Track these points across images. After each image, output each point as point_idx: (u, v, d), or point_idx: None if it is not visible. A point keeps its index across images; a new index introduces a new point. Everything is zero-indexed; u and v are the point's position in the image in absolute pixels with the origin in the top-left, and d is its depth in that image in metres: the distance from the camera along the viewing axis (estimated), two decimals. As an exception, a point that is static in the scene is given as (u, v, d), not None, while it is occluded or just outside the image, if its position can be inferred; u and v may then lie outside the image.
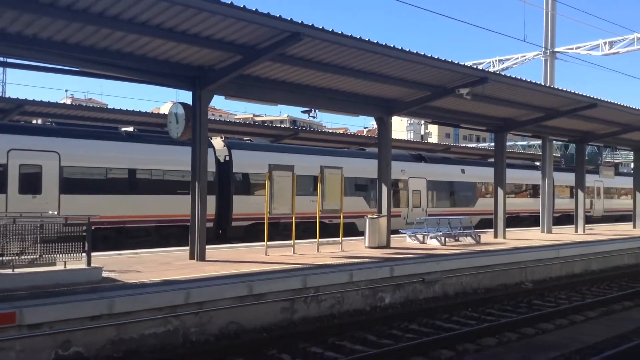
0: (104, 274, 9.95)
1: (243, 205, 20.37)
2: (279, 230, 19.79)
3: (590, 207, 35.19)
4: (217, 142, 21.02)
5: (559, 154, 29.45)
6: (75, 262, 9.52)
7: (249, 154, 21.19)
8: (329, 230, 19.71)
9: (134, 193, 18.11)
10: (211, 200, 17.84)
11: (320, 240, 15.09)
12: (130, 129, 19.51)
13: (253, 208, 20.16)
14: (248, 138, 24.04)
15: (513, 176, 31.70)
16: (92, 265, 9.73)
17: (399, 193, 25.66)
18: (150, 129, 20.86)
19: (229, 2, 9.67)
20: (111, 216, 16.87)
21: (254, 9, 9.98)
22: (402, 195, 25.77)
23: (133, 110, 21.75)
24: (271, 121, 76.35)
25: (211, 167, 18.29)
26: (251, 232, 20.34)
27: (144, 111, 22.93)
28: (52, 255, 9.27)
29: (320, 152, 24.01)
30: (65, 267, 9.39)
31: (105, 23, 9.93)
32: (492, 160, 33.51)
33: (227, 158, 20.63)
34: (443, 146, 36.68)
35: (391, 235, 16.45)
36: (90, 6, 9.48)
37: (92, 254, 10.08)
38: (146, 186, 18.43)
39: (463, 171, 29.26)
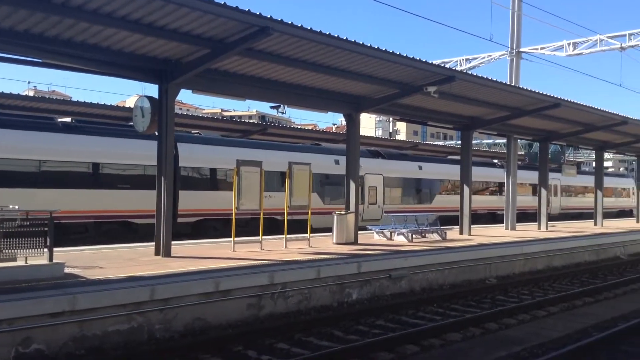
0: (67, 270, 9.76)
1: (190, 201, 19.87)
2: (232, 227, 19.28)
3: (547, 205, 35.40)
4: None
5: (523, 153, 29.96)
6: (37, 258, 9.31)
7: (197, 147, 20.67)
8: (280, 227, 19.32)
9: (69, 187, 17.31)
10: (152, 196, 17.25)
11: (287, 236, 15.06)
12: (68, 119, 18.68)
13: (201, 204, 19.90)
14: (197, 131, 23.34)
15: (481, 174, 31.78)
16: (54, 261, 9.53)
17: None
18: (96, 120, 20.27)
19: (197, -5, 9.56)
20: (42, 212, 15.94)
21: (222, 2, 9.87)
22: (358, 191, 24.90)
23: (97, 103, 21.35)
24: (240, 116, 75.90)
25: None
26: (199, 229, 19.95)
27: (109, 104, 22.53)
28: (13, 251, 9.04)
29: (272, 146, 23.37)
30: (26, 262, 9.18)
31: (70, 13, 9.70)
32: (452, 157, 33.53)
33: (173, 152, 19.98)
34: (411, 143, 37.03)
35: (359, 232, 16.52)
36: (53, -4, 9.26)
37: (55, 249, 9.88)
38: (82, 180, 17.77)
39: (421, 168, 28.81)
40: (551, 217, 32.69)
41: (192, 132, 23.11)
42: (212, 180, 21.07)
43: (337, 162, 24.03)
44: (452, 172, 28.86)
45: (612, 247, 21.17)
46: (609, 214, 37.85)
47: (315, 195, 22.96)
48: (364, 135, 28.90)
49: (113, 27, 10.32)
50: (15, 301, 7.56)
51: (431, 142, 56.42)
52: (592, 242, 20.29)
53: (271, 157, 20.83)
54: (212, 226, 20.50)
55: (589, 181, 37.90)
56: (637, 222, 31.99)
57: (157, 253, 12.40)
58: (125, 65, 12.11)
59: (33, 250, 9.19)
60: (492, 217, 31.85)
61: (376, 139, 36.93)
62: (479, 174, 31.93)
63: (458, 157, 33.05)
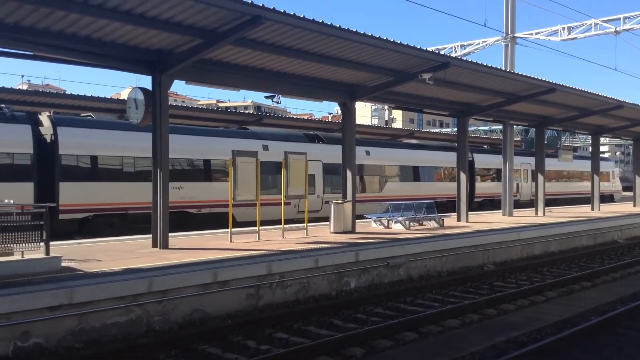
0: (64, 264, 9.74)
1: (75, 194, 17.13)
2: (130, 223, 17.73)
3: (517, 191, 32.49)
4: (43, 118, 17.74)
5: (519, 139, 29.95)
6: (33, 252, 9.29)
7: (84, 132, 17.78)
8: (196, 222, 18.94)
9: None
10: (28, 189, 15.99)
11: (285, 226, 15.05)
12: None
13: (91, 197, 17.32)
14: (89, 114, 19.93)
15: (440, 159, 29.28)
16: (51, 254, 9.52)
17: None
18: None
19: (188, -16, 9.47)
20: None
21: (214, -9, 9.79)
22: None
23: (92, 96, 21.21)
24: (235, 107, 75.69)
25: (27, 147, 16.34)
26: (91, 227, 17.38)
27: (104, 97, 22.39)
28: (9, 245, 9.03)
29: (185, 131, 20.52)
30: (22, 257, 9.17)
31: (60, 5, 9.59)
32: (410, 141, 31.48)
33: (53, 137, 17.16)
34: (407, 131, 36.96)
35: (356, 221, 16.51)
36: (43, -13, 9.15)
37: (52, 243, 9.87)
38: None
39: (368, 153, 25.45)
40: (522, 204, 31.25)
41: (83, 115, 20.05)
42: (105, 170, 18.14)
43: (265, 147, 21.57)
44: (406, 157, 27.33)
45: (609, 232, 21.22)
46: (584, 200, 34.34)
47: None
48: (359, 124, 28.60)
49: (104, 18, 10.22)
50: (13, 295, 7.54)
51: (427, 130, 56.42)
52: (589, 227, 20.34)
53: (184, 143, 19.06)
54: (106, 223, 17.78)
55: (565, 165, 36.41)
56: (634, 206, 32.05)
57: (154, 245, 12.38)
58: (118, 57, 12.02)
59: (29, 244, 9.16)
60: (453, 207, 26.52)
61: (371, 127, 36.85)
62: (442, 159, 29.63)
63: (416, 141, 31.89)
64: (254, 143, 21.21)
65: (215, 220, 18.67)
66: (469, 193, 25.67)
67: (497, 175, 31.63)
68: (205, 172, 20.47)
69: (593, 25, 25.09)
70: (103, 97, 22.10)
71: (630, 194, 35.99)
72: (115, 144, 18.28)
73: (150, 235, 12.64)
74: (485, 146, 36.01)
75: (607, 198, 40.78)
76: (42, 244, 9.35)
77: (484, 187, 31.69)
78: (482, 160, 31.98)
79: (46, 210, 9.40)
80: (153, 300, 8.75)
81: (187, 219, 19.03)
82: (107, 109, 21.96)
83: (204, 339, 8.29)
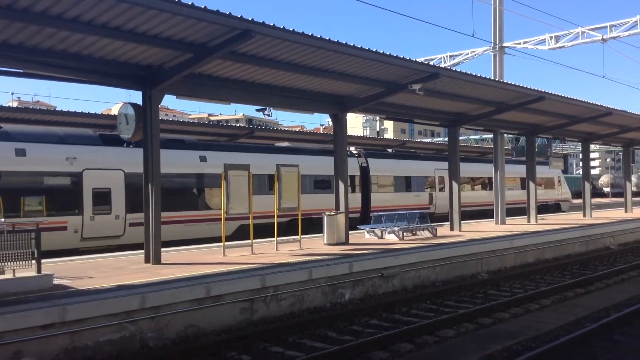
0: (56, 281, 9.67)
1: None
2: None
3: (430, 203, 27.92)
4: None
5: (510, 147, 30.07)
6: (25, 270, 9.21)
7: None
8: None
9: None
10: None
11: (279, 238, 15.01)
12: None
13: None
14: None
15: (399, 167, 26.92)
16: (43, 272, 9.45)
17: (62, 194, 16.67)
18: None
19: (177, 0, 9.49)
20: None
21: (203, 6, 9.81)
22: (71, 198, 16.85)
23: (82, 112, 21.16)
24: (227, 120, 75.71)
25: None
26: None
27: (94, 113, 22.33)
28: (0, 264, 8.95)
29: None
30: (14, 275, 9.09)
31: (49, 22, 9.59)
32: (281, 144, 25.13)
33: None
34: (399, 141, 37.07)
35: (349, 232, 16.49)
36: (31, 5, 9.14)
37: (43, 260, 9.80)
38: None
39: (205, 159, 20.03)
40: (435, 218, 25.62)
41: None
42: None
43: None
44: (264, 163, 20.22)
45: (601, 238, 21.30)
46: (519, 211, 29.28)
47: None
48: (350, 135, 28.66)
49: (94, 35, 10.23)
50: (4, 314, 7.46)
51: (419, 140, 56.66)
52: (582, 234, 20.41)
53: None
54: None
55: (490, 170, 28.13)
56: (626, 212, 32.20)
57: (147, 261, 12.31)
58: (108, 73, 12.01)
59: (21, 262, 9.09)
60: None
61: (362, 138, 36.93)
62: (402, 167, 27.01)
63: (285, 144, 25.02)
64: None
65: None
66: (364, 205, 23.72)
67: (399, 184, 26.91)
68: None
69: (580, 33, 25.32)
70: (94, 113, 22.05)
71: (578, 201, 32.09)
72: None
73: (143, 251, 12.57)
74: (390, 150, 31.28)
75: (551, 208, 36.43)
76: (33, 261, 9.29)
77: (385, 200, 25.80)
78: (381, 167, 26.24)
79: (37, 228, 9.34)
80: (146, 317, 8.69)
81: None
82: (97, 124, 21.91)
83: (198, 355, 8.23)
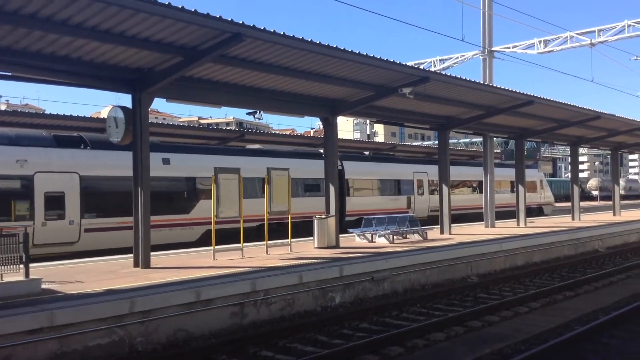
0: (44, 286, 9.60)
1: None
2: None
3: (408, 207, 27.26)
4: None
5: (499, 150, 30.23)
6: (13, 274, 9.13)
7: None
8: None
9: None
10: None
11: (269, 242, 14.99)
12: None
13: None
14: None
15: (376, 170, 26.39)
16: (31, 276, 9.37)
17: (11, 198, 15.80)
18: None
19: (167, 3, 9.45)
20: None
21: (193, 10, 9.80)
22: (21, 203, 15.92)
23: (71, 115, 21.07)
24: (217, 124, 75.55)
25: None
26: None
27: (83, 116, 22.23)
28: (-13, 269, 8.87)
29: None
30: (1, 279, 9.01)
31: (37, 25, 9.54)
32: (251, 146, 24.82)
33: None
34: (389, 145, 37.15)
35: (340, 235, 16.49)
36: (21, 8, 9.09)
37: (32, 265, 9.73)
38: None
39: (168, 161, 18.91)
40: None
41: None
42: None
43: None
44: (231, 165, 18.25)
45: (590, 241, 21.43)
46: (504, 214, 28.77)
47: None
48: (341, 139, 28.69)
49: (83, 38, 10.18)
50: (-9, 320, 7.40)
51: (409, 143, 56.81)
52: (571, 237, 20.52)
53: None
54: None
55: (470, 173, 30.95)
56: (614, 215, 32.43)
57: (136, 265, 12.25)
58: (97, 76, 11.95)
59: (8, 267, 9.02)
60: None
61: (353, 141, 37.00)
62: (383, 170, 26.40)
63: (250, 145, 24.88)
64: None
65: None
66: (339, 209, 21.43)
67: (376, 187, 26.29)
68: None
69: (569, 38, 25.53)
70: (83, 116, 21.95)
71: (565, 204, 32.29)
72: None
73: (132, 255, 12.51)
74: (367, 152, 30.54)
75: (535, 212, 35.40)
76: (21, 266, 9.21)
77: (362, 204, 25.31)
78: (357, 170, 25.75)
79: (25, 232, 9.27)
80: (135, 321, 8.64)
81: None
82: (87, 127, 21.81)
83: (188, 359, 8.19)
